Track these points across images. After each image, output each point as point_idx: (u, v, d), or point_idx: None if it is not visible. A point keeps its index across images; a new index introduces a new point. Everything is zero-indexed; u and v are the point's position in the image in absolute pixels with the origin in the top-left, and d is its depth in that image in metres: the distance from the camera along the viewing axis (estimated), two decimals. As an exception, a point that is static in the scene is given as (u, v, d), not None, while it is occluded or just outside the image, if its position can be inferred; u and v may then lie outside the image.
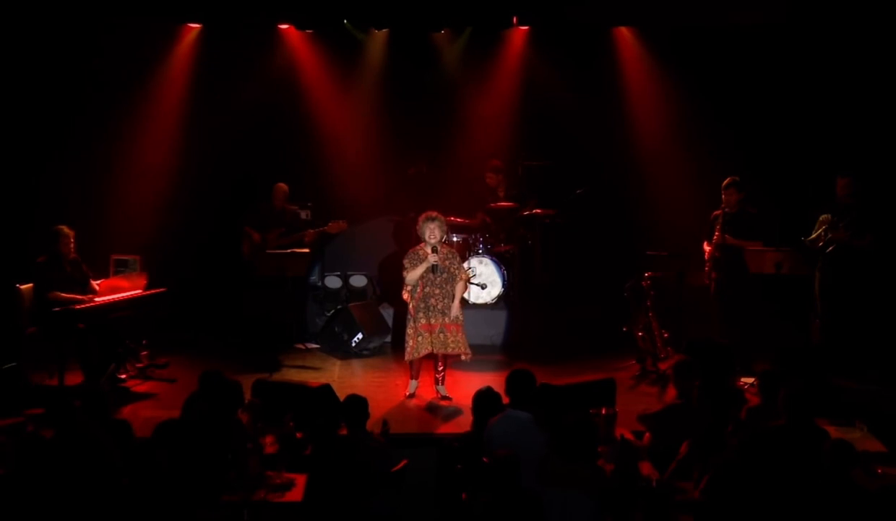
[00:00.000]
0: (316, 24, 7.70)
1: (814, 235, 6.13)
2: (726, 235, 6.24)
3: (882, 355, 6.09)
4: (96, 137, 7.38)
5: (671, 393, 4.96)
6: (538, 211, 7.29)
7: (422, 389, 5.87)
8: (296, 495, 3.92)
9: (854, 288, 6.04)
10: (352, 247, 8.11)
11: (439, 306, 5.65)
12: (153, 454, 3.68)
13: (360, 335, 7.07)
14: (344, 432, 4.29)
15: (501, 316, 7.28)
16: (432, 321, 5.65)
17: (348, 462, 4.04)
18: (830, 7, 6.81)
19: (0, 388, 5.52)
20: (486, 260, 7.32)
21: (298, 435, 4.46)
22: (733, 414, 4.28)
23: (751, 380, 5.57)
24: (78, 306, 5.72)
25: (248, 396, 4.69)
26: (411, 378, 5.86)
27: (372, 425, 4.37)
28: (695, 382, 4.42)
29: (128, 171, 7.53)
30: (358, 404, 4.24)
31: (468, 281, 6.84)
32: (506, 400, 4.38)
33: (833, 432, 4.10)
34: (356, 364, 6.81)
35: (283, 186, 7.32)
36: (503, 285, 7.31)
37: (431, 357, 5.79)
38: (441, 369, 5.80)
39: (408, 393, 5.83)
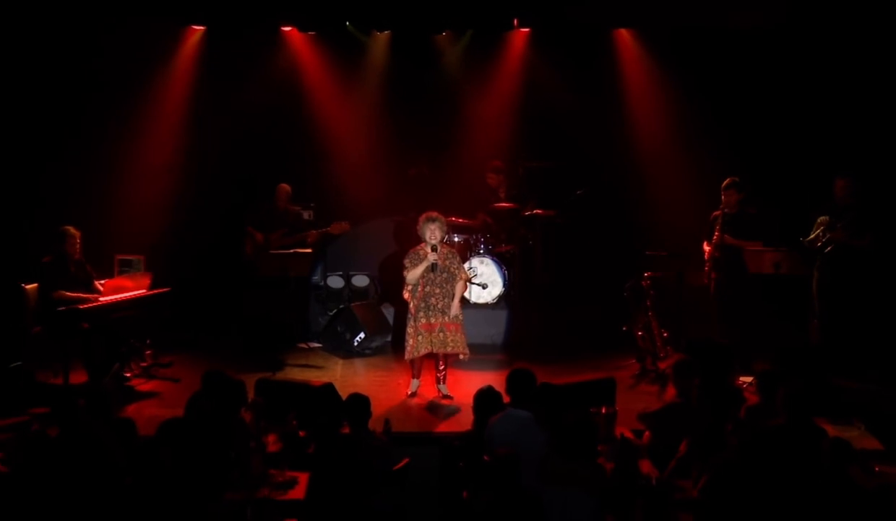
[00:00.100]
0: (318, 26, 7.74)
1: (812, 236, 6.15)
2: (725, 236, 6.26)
3: (880, 354, 6.10)
4: (100, 138, 7.40)
5: (671, 392, 4.95)
6: (539, 211, 7.31)
7: (423, 388, 5.90)
8: (298, 493, 3.93)
9: (852, 288, 6.05)
10: (354, 247, 8.13)
11: (439, 306, 5.68)
12: (157, 453, 3.68)
13: (362, 335, 7.10)
14: (346, 430, 4.30)
15: (502, 316, 7.30)
16: (432, 320, 5.68)
17: (350, 461, 4.05)
18: (829, 10, 6.82)
19: (5, 387, 5.56)
20: (487, 260, 7.34)
21: (301, 434, 4.47)
22: (732, 413, 4.27)
23: (749, 379, 5.59)
24: (82, 306, 5.74)
25: (251, 395, 4.70)
26: (413, 377, 5.89)
27: (374, 423, 4.38)
28: (694, 381, 4.43)
29: (132, 171, 7.55)
30: (360, 402, 4.25)
31: (468, 281, 6.88)
32: (506, 399, 4.40)
33: (831, 430, 4.10)
34: (358, 363, 6.84)
35: (285, 186, 7.35)
36: (504, 285, 7.33)
37: (432, 357, 5.81)
38: (442, 368, 5.82)
39: (409, 392, 5.86)
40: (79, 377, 5.77)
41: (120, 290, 6.00)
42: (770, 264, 5.98)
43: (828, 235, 6.07)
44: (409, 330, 5.73)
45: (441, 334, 5.69)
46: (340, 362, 6.84)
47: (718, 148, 7.28)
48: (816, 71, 7.10)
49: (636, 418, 4.73)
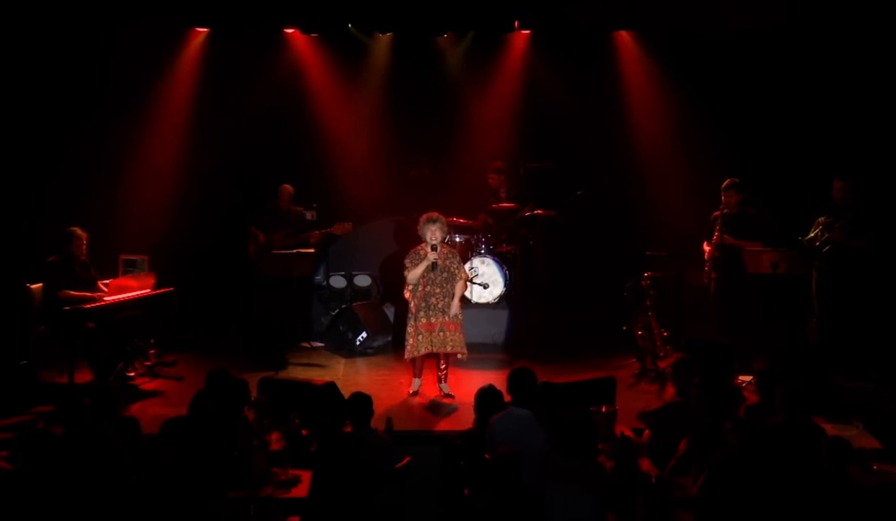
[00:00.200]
0: (321, 28, 7.77)
1: (811, 235, 6.18)
2: (725, 236, 6.30)
3: (879, 354, 6.11)
4: (105, 139, 7.43)
5: (670, 391, 4.98)
6: (540, 212, 7.32)
7: (425, 387, 5.92)
8: (301, 491, 3.94)
9: (850, 288, 6.07)
10: (356, 247, 8.14)
11: (440, 305, 5.71)
12: (160, 451, 3.71)
13: (364, 334, 7.13)
14: (349, 429, 4.32)
15: (503, 315, 7.32)
16: (432, 320, 5.71)
17: (353, 459, 4.07)
18: (828, 11, 6.83)
19: (11, 386, 5.60)
20: (489, 260, 7.36)
21: (304, 432, 4.47)
22: (732, 412, 4.29)
23: (748, 378, 5.62)
24: (87, 306, 5.75)
25: (254, 393, 4.71)
26: (414, 376, 5.92)
27: (376, 422, 4.40)
28: (693, 380, 4.44)
29: (136, 172, 7.59)
30: (362, 401, 4.27)
31: (469, 280, 6.92)
32: (507, 398, 4.43)
33: (829, 429, 4.12)
34: (360, 363, 6.87)
35: (288, 187, 7.38)
36: (505, 285, 7.35)
37: (433, 356, 5.83)
38: (443, 367, 5.85)
39: (411, 391, 5.89)
40: (83, 376, 5.81)
41: (124, 289, 6.02)
42: (768, 265, 6.00)
43: (826, 235, 6.10)
44: (410, 329, 5.76)
45: (441, 334, 5.72)
46: (343, 361, 6.87)
47: (718, 148, 7.29)
48: (815, 72, 7.11)
49: (636, 417, 4.73)
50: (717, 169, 6.73)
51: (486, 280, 7.35)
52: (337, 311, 7.47)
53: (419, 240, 5.80)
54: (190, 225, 7.71)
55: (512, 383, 4.44)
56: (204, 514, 3.68)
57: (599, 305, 7.35)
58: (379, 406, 4.63)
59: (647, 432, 4.55)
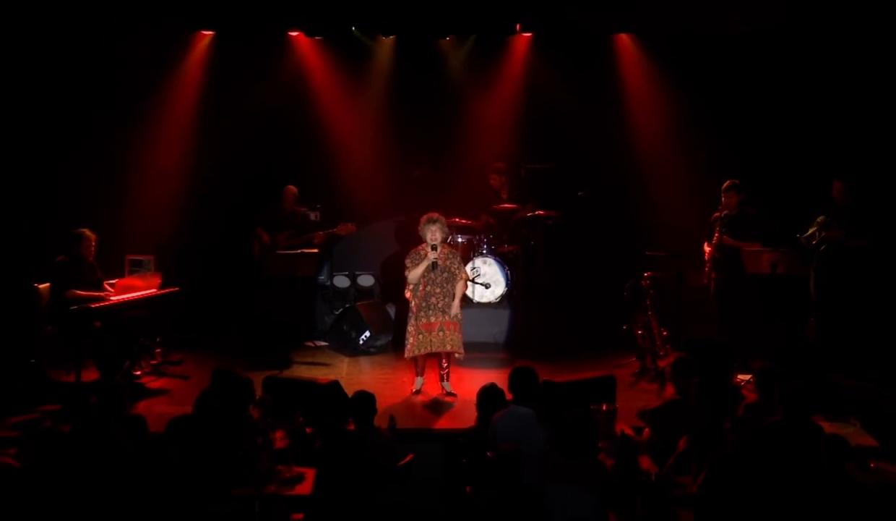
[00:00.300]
0: (325, 31, 7.79)
1: (809, 232, 6.21)
2: (724, 236, 6.34)
3: (877, 353, 6.12)
4: (112, 141, 7.46)
5: (670, 390, 5.01)
6: (541, 212, 7.35)
7: (427, 385, 5.96)
8: (305, 488, 3.98)
9: (848, 287, 6.08)
10: (359, 247, 8.15)
11: (440, 305, 5.75)
12: (166, 449, 3.74)
13: (367, 333, 7.16)
14: (352, 427, 4.35)
15: (504, 315, 7.35)
16: (432, 319, 5.74)
17: (356, 457, 4.10)
18: (827, 13, 6.84)
19: (19, 384, 5.64)
20: (490, 260, 7.39)
21: (308, 430, 4.51)
22: (731, 411, 4.32)
23: (747, 377, 5.66)
24: (94, 305, 5.78)
25: (258, 392, 4.76)
26: (417, 375, 5.95)
27: (379, 420, 4.42)
28: (692, 379, 4.46)
29: (143, 173, 7.63)
30: (366, 400, 4.29)
31: (471, 280, 6.96)
32: (509, 396, 4.46)
33: (827, 427, 4.10)
34: (364, 361, 6.90)
35: (292, 188, 7.41)
36: (506, 285, 7.38)
37: (435, 355, 5.87)
38: (445, 366, 5.89)
39: (414, 390, 5.92)
40: (90, 375, 5.83)
41: (131, 289, 6.05)
42: (767, 265, 6.03)
43: (823, 234, 6.14)
44: (410, 329, 5.79)
45: (441, 333, 5.75)
46: (346, 360, 6.90)
47: (718, 149, 7.31)
48: (814, 73, 7.12)
49: (636, 416, 4.76)
50: (717, 169, 6.77)
51: (488, 280, 7.38)
52: (340, 310, 7.50)
53: (420, 240, 5.84)
54: (195, 226, 7.74)
55: (513, 381, 4.48)
56: (209, 511, 3.69)
57: (600, 304, 7.37)
58: (382, 405, 4.68)
59: (646, 430, 4.57)
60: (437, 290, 5.76)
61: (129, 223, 7.29)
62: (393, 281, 7.62)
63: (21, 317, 6.16)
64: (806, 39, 7.08)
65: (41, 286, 5.98)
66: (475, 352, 6.63)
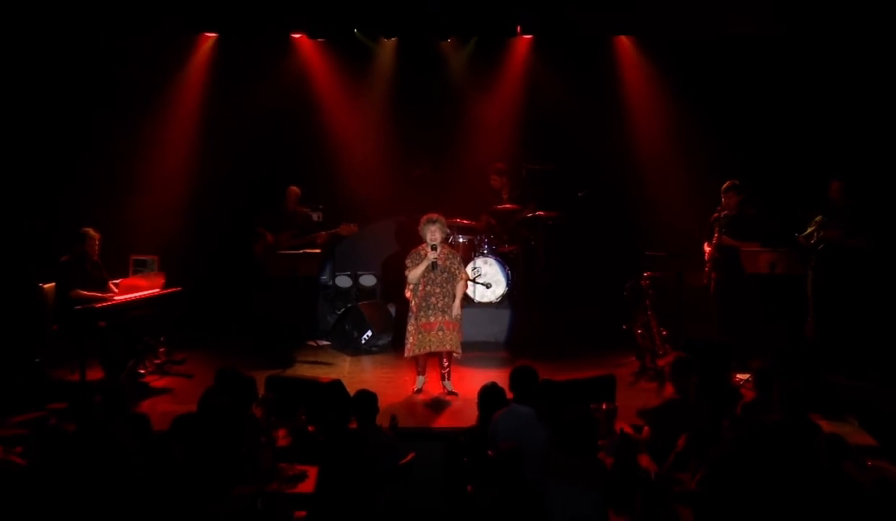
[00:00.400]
0: (327, 33, 7.81)
1: (807, 232, 6.24)
2: (724, 236, 6.37)
3: (874, 351, 6.14)
4: (117, 142, 7.50)
5: (669, 389, 5.01)
6: (541, 213, 7.37)
7: (428, 384, 5.98)
8: (308, 486, 4.00)
9: (846, 287, 6.12)
10: (361, 247, 8.19)
11: (440, 304, 5.78)
12: (170, 447, 3.77)
13: (369, 333, 7.20)
14: (354, 426, 4.37)
15: (505, 314, 7.37)
16: (432, 319, 5.77)
17: (358, 455, 4.12)
18: (826, 15, 6.87)
19: (24, 383, 5.67)
20: (491, 260, 7.42)
21: (310, 429, 4.53)
22: (729, 409, 4.33)
23: (746, 376, 5.69)
24: (99, 305, 5.82)
25: (261, 391, 4.79)
26: (418, 374, 5.99)
27: (381, 419, 4.45)
28: (691, 378, 4.48)
29: (147, 174, 7.66)
30: (368, 399, 4.32)
31: (472, 280, 6.99)
32: (510, 395, 4.48)
33: (825, 426, 4.11)
34: (366, 361, 6.93)
35: (295, 188, 7.46)
36: (507, 285, 7.41)
37: (436, 354, 5.89)
38: (446, 365, 5.92)
39: (415, 389, 5.95)
40: (95, 374, 5.86)
41: (135, 289, 6.09)
42: (766, 265, 6.06)
43: (821, 234, 6.17)
44: (410, 328, 5.82)
45: (440, 333, 5.78)
46: (348, 359, 6.93)
47: (717, 149, 7.32)
48: (813, 74, 7.14)
49: (636, 414, 4.77)
50: (716, 169, 6.80)
51: (489, 280, 7.41)
52: (343, 310, 7.53)
53: (420, 240, 5.87)
54: (199, 226, 7.77)
55: (514, 380, 4.50)
56: (212, 509, 3.71)
57: (600, 304, 7.39)
58: (383, 404, 4.69)
59: (646, 429, 4.59)
60: (437, 290, 5.79)
61: (133, 223, 7.32)
62: (393, 281, 7.65)
63: (26, 317, 6.20)
64: (805, 41, 7.10)
65: (47, 286, 6.01)
66: (476, 351, 6.67)
